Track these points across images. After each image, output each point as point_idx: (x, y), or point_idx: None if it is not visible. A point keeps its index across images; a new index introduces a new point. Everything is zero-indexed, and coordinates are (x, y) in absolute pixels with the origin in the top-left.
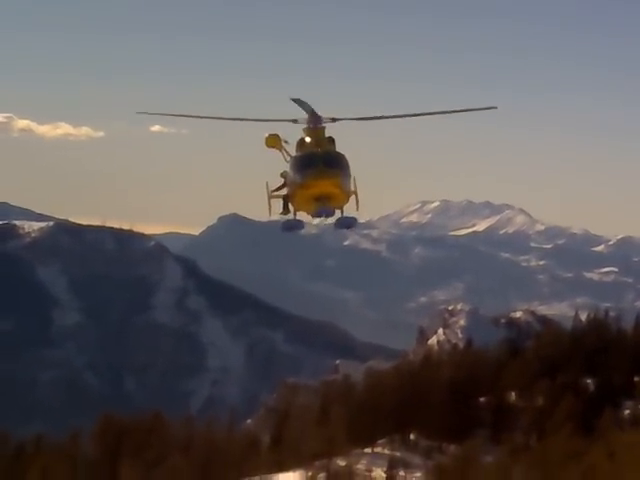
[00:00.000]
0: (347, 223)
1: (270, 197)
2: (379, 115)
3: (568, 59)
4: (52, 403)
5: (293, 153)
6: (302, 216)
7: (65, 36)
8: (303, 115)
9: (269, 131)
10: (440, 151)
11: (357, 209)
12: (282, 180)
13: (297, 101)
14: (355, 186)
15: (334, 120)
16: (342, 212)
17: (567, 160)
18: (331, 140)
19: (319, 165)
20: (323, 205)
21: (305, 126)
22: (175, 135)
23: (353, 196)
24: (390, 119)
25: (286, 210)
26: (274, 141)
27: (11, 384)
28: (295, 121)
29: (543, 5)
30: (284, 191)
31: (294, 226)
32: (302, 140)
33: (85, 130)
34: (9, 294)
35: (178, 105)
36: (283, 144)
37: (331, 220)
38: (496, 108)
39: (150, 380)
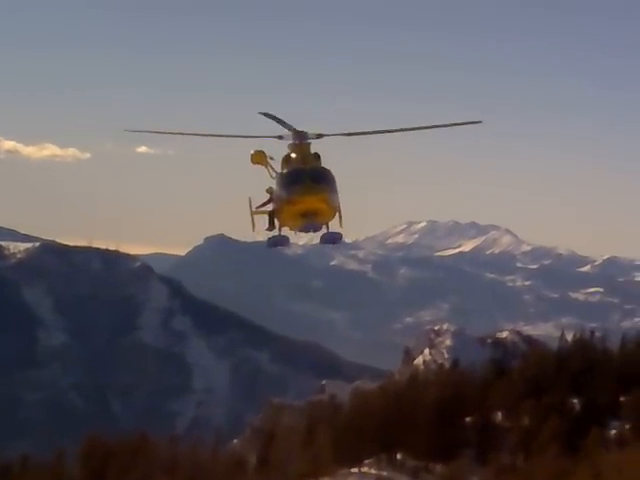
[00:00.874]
0: (332, 238)
1: (253, 213)
2: (364, 130)
3: (557, 78)
4: (37, 424)
5: (278, 169)
6: (287, 234)
7: (51, 56)
8: (286, 131)
9: (254, 148)
10: (426, 171)
11: (340, 225)
12: (267, 196)
13: (267, 115)
14: (339, 202)
15: (320, 136)
16: (327, 228)
17: (553, 181)
18: (317, 156)
19: (306, 181)
20: (310, 221)
21: (290, 142)
22: (161, 156)
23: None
24: (378, 137)
25: (271, 226)
26: (260, 157)
27: None
28: (281, 137)
29: (530, 22)
30: (269, 207)
31: (279, 242)
32: (288, 156)
33: (72, 151)
34: None
35: (166, 124)
36: (269, 160)
37: (316, 239)
38: (481, 122)
39: (136, 401)
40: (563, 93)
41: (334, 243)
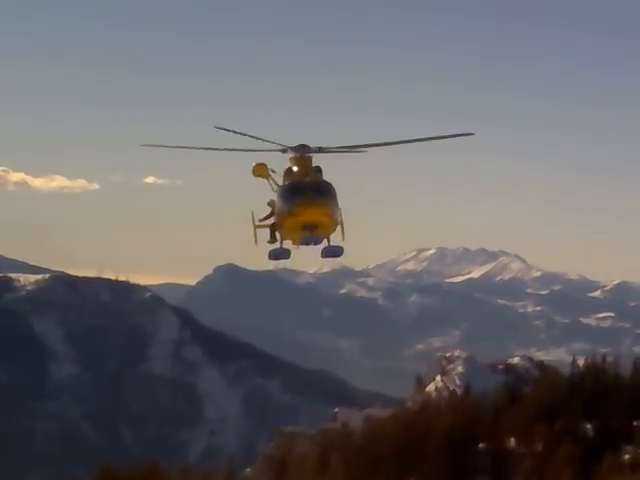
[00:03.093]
0: (334, 252)
1: (256, 227)
2: (361, 144)
3: (568, 97)
4: (49, 455)
5: (280, 182)
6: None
7: (58, 90)
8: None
9: (256, 160)
10: (435, 198)
11: (343, 239)
12: (269, 209)
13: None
14: (341, 216)
15: (321, 150)
16: (329, 241)
17: (563, 206)
18: (318, 169)
19: (308, 193)
20: (310, 233)
21: (292, 155)
22: (169, 186)
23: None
24: (387, 162)
25: (273, 239)
26: (262, 170)
27: (7, 436)
28: (284, 151)
29: (526, 39)
30: (271, 220)
31: (281, 254)
32: (289, 169)
33: (80, 182)
34: (5, 347)
35: (174, 152)
36: (270, 173)
37: (327, 266)
38: (473, 135)
39: (147, 431)
40: (576, 116)
41: (335, 256)
